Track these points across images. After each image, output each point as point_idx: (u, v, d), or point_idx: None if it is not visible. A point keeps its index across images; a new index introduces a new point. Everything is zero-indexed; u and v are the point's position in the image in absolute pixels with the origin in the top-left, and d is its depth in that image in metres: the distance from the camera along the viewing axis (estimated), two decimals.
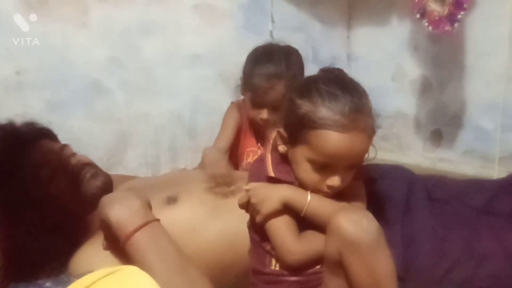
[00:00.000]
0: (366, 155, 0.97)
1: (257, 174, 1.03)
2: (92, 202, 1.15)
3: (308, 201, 0.95)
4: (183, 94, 1.94)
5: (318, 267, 0.99)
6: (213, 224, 1.14)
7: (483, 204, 1.23)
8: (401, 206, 1.20)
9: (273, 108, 1.42)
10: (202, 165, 1.43)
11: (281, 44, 1.55)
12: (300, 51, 1.62)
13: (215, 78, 1.96)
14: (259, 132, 1.57)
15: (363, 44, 2.31)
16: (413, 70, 2.08)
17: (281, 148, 1.00)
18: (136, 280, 0.74)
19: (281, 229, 0.98)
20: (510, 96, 1.74)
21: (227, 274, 1.13)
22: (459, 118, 1.91)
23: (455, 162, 1.93)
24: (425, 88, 2.04)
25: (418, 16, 1.71)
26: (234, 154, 1.61)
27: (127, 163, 1.86)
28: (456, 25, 1.61)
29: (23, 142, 1.15)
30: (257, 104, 1.45)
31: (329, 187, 0.94)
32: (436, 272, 1.09)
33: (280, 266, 1.00)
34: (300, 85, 0.98)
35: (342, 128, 0.88)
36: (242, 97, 1.61)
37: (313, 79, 0.97)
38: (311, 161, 0.93)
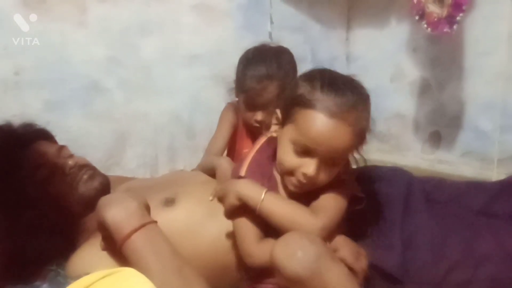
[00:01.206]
0: (351, 158, 0.97)
1: (234, 173, 1.04)
2: (89, 204, 1.15)
3: (262, 198, 0.94)
4: (182, 94, 1.94)
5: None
6: (211, 225, 1.14)
7: (482, 206, 1.23)
8: (400, 208, 1.20)
9: (267, 109, 1.40)
10: (204, 169, 1.42)
11: (273, 44, 1.54)
12: (299, 52, 1.62)
13: (213, 78, 1.96)
14: (254, 134, 1.55)
15: (362, 45, 2.31)
16: (412, 71, 2.07)
17: (273, 130, 1.02)
18: (133, 282, 0.75)
19: (243, 229, 0.99)
20: (509, 97, 1.74)
21: (226, 275, 1.13)
22: (458, 119, 1.91)
23: (454, 163, 1.93)
24: (424, 89, 2.04)
25: (417, 18, 1.71)
26: (230, 156, 1.59)
27: (126, 164, 1.85)
28: (455, 26, 1.61)
29: (20, 143, 1.15)
30: (251, 106, 1.44)
31: (303, 174, 0.93)
32: (435, 274, 1.09)
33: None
34: (310, 71, 1.00)
35: (330, 113, 0.89)
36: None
37: (324, 69, 0.99)
38: (293, 142, 0.93)
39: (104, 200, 1.00)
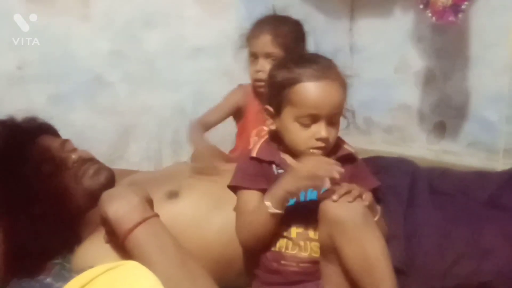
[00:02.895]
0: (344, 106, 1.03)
1: (246, 155, 1.09)
2: (94, 198, 1.15)
3: None
4: (186, 86, 1.94)
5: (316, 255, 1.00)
6: (215, 217, 1.14)
7: (488, 197, 1.22)
8: (404, 199, 1.19)
9: (267, 58, 1.46)
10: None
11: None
12: None
13: (217, 70, 1.96)
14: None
15: (366, 35, 2.30)
16: (416, 61, 2.06)
17: (269, 124, 1.07)
18: (136, 275, 0.75)
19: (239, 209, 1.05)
20: None
21: (231, 268, 1.13)
22: (463, 109, 1.90)
23: (459, 154, 1.92)
24: (429, 80, 2.03)
25: (421, 6, 1.70)
26: (245, 136, 1.59)
27: (130, 157, 1.86)
28: (460, 15, 1.59)
29: (24, 138, 1.15)
30: (252, 53, 1.50)
31: (318, 139, 0.99)
32: (440, 266, 1.08)
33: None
34: (276, 63, 1.14)
35: (316, 78, 0.99)
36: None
37: (284, 55, 1.13)
38: (297, 119, 1.00)
39: (106, 194, 1.00)
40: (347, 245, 0.91)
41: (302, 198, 1.02)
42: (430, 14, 1.67)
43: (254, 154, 1.06)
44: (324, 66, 1.00)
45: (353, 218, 0.91)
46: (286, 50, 1.44)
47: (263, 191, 1.02)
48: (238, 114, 1.61)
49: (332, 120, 1.00)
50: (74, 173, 1.16)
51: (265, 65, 1.45)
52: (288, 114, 1.01)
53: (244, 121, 1.60)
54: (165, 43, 1.89)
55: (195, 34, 1.93)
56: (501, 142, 1.81)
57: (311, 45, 1.56)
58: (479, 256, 1.08)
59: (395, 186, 1.22)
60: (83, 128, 1.71)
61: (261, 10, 2.01)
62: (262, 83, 1.44)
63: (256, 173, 1.05)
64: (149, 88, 1.87)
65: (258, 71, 1.48)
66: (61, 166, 1.15)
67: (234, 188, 1.06)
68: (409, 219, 1.15)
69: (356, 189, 0.95)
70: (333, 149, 1.06)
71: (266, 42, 1.46)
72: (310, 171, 0.94)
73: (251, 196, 1.03)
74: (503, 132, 1.79)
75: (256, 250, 1.04)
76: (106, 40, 1.76)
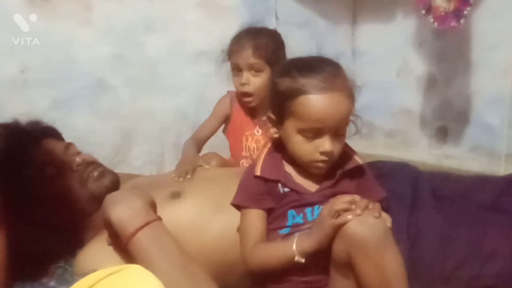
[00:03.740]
0: (351, 118, 0.99)
1: (249, 173, 1.05)
2: (99, 201, 1.15)
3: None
4: (188, 91, 1.94)
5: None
6: (217, 220, 1.13)
7: (490, 201, 1.22)
8: (407, 204, 1.19)
9: (250, 70, 1.51)
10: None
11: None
12: (304, 47, 1.61)
13: (219, 75, 1.96)
14: (254, 115, 1.61)
15: (368, 40, 2.30)
16: (418, 66, 2.06)
17: (273, 132, 1.03)
18: (139, 279, 0.74)
19: (243, 230, 1.02)
20: None
21: (232, 272, 1.12)
22: (465, 114, 1.90)
23: (461, 158, 1.92)
24: (431, 84, 2.03)
25: (423, 12, 1.70)
26: (237, 140, 1.63)
27: (132, 161, 1.86)
28: (462, 21, 1.59)
29: (28, 141, 1.15)
30: (235, 66, 1.54)
31: (322, 153, 0.96)
32: (443, 270, 1.08)
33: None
34: (280, 68, 1.05)
35: (321, 90, 0.93)
36: None
37: (289, 60, 1.05)
38: (301, 131, 0.96)
39: (109, 198, 1.01)
40: (366, 263, 0.89)
41: (310, 218, 1.01)
42: (432, 20, 1.67)
43: (258, 172, 1.02)
44: (330, 75, 0.95)
45: (374, 238, 0.88)
46: (267, 60, 1.49)
47: (268, 210, 1.02)
48: (226, 121, 1.66)
49: (338, 132, 0.97)
50: (78, 176, 1.16)
51: (249, 78, 1.52)
52: (291, 126, 0.98)
53: (230, 127, 1.63)
54: (167, 48, 1.89)
55: (197, 38, 1.94)
56: (503, 146, 1.80)
57: (313, 50, 1.56)
58: (482, 260, 1.08)
59: (398, 190, 1.22)
60: (85, 132, 1.72)
61: (262, 14, 2.03)
62: (250, 99, 1.54)
63: (261, 192, 1.02)
64: (150, 92, 1.87)
65: (243, 84, 1.52)
66: (65, 169, 1.15)
67: (238, 207, 1.04)
68: (412, 223, 1.15)
69: (363, 200, 0.93)
70: (343, 160, 1.03)
71: (248, 55, 1.49)
72: (331, 212, 0.92)
73: (256, 216, 1.01)
74: (505, 136, 1.79)
75: None
76: (108, 45, 1.77)
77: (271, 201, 1.02)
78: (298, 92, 0.95)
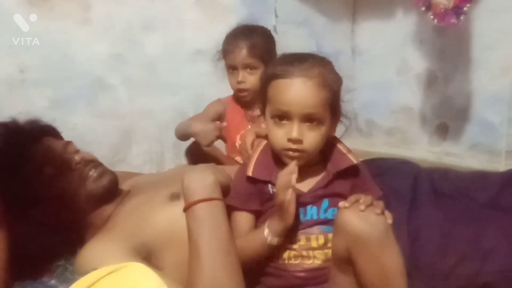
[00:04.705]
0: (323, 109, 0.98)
1: (241, 174, 1.07)
2: (97, 201, 1.15)
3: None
4: (187, 90, 1.94)
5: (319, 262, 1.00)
6: None
7: (490, 198, 1.22)
8: (407, 201, 1.19)
9: (246, 68, 1.55)
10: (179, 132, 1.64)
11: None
12: (304, 46, 1.63)
13: (218, 74, 1.96)
14: (246, 114, 1.65)
15: (368, 38, 2.30)
16: (418, 63, 2.06)
17: (263, 124, 1.07)
18: (140, 277, 0.74)
19: (234, 222, 1.05)
20: None
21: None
22: (465, 111, 1.90)
23: (461, 156, 1.92)
24: (431, 82, 2.03)
25: (423, 9, 1.70)
26: (232, 140, 1.65)
27: (131, 160, 1.86)
28: (462, 17, 1.59)
29: (26, 140, 1.15)
30: (230, 65, 1.58)
31: (289, 140, 0.96)
32: (443, 267, 1.08)
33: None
34: (273, 61, 1.12)
35: (290, 74, 0.96)
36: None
37: (283, 54, 1.07)
38: (271, 115, 0.99)
39: (191, 167, 1.08)
40: (366, 260, 0.90)
41: (302, 218, 1.01)
42: (432, 17, 1.67)
43: (250, 172, 1.03)
44: (307, 65, 0.97)
45: (374, 235, 0.88)
46: (261, 58, 1.53)
47: (255, 212, 1.04)
48: (218, 119, 1.68)
49: (308, 119, 0.96)
50: (77, 174, 1.16)
51: (245, 76, 1.56)
52: (267, 112, 1.01)
53: (226, 129, 1.64)
54: (165, 47, 1.89)
55: (195, 38, 1.93)
56: (502, 144, 1.80)
57: (313, 48, 1.57)
58: (481, 257, 1.08)
59: (398, 188, 1.22)
60: (84, 131, 1.71)
61: (261, 13, 2.02)
62: (245, 93, 1.58)
63: (249, 193, 1.04)
64: (149, 91, 1.87)
65: (240, 82, 1.56)
66: (64, 168, 1.14)
67: (227, 206, 1.05)
68: (412, 220, 1.15)
69: (367, 197, 0.93)
70: (337, 160, 1.04)
71: (243, 54, 1.53)
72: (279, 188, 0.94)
73: (242, 218, 1.04)
74: (505, 134, 1.79)
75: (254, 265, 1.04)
76: (106, 44, 1.77)
77: (257, 203, 1.04)
78: (273, 77, 0.99)
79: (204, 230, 0.97)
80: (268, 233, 0.97)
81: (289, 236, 1.00)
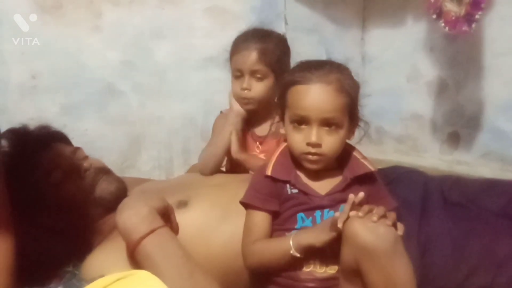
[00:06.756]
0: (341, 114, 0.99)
1: (260, 173, 1.08)
2: (105, 207, 1.15)
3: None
4: (196, 96, 1.95)
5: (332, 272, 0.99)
6: (224, 228, 1.13)
7: (502, 207, 1.20)
8: (417, 211, 1.18)
9: (253, 75, 1.39)
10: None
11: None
12: (314, 53, 1.62)
13: (227, 81, 1.96)
14: (253, 134, 1.50)
15: (378, 45, 2.29)
16: (429, 71, 2.05)
17: (282, 130, 1.08)
18: (147, 285, 0.74)
19: (245, 227, 1.05)
20: None
21: (239, 280, 1.12)
22: (477, 119, 1.88)
23: (472, 164, 1.90)
24: (442, 89, 2.01)
25: (434, 16, 1.69)
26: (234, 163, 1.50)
27: (141, 166, 1.86)
28: (473, 25, 1.58)
29: (36, 145, 1.16)
30: (236, 69, 1.42)
31: (308, 144, 0.99)
32: (454, 278, 1.07)
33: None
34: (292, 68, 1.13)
35: (308, 80, 0.99)
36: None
37: (301, 61, 1.10)
38: (292, 121, 1.02)
39: (121, 204, 1.01)
40: (375, 272, 0.89)
41: (319, 222, 1.01)
42: (443, 24, 1.65)
43: (269, 172, 1.05)
44: (325, 71, 0.99)
45: (383, 247, 0.87)
46: (272, 67, 1.38)
47: (273, 213, 1.03)
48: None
49: (326, 124, 0.99)
50: (86, 181, 1.16)
51: (252, 83, 1.39)
52: (287, 117, 1.03)
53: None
54: (175, 54, 1.89)
55: (205, 45, 1.94)
56: None
57: (323, 55, 1.56)
58: (494, 267, 1.06)
59: (407, 198, 1.21)
60: (94, 138, 1.72)
61: (271, 20, 2.02)
62: (249, 103, 1.41)
63: (268, 192, 1.04)
64: (159, 98, 1.88)
65: (244, 89, 1.40)
66: (72, 174, 1.15)
67: (245, 205, 1.06)
68: (423, 231, 1.14)
69: (380, 208, 0.92)
70: (354, 165, 1.05)
71: (252, 60, 1.37)
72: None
73: (260, 218, 1.03)
74: None
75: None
76: (117, 51, 1.78)
77: (277, 204, 1.03)
78: (291, 83, 1.02)
79: (159, 264, 0.94)
80: (292, 244, 0.97)
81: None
